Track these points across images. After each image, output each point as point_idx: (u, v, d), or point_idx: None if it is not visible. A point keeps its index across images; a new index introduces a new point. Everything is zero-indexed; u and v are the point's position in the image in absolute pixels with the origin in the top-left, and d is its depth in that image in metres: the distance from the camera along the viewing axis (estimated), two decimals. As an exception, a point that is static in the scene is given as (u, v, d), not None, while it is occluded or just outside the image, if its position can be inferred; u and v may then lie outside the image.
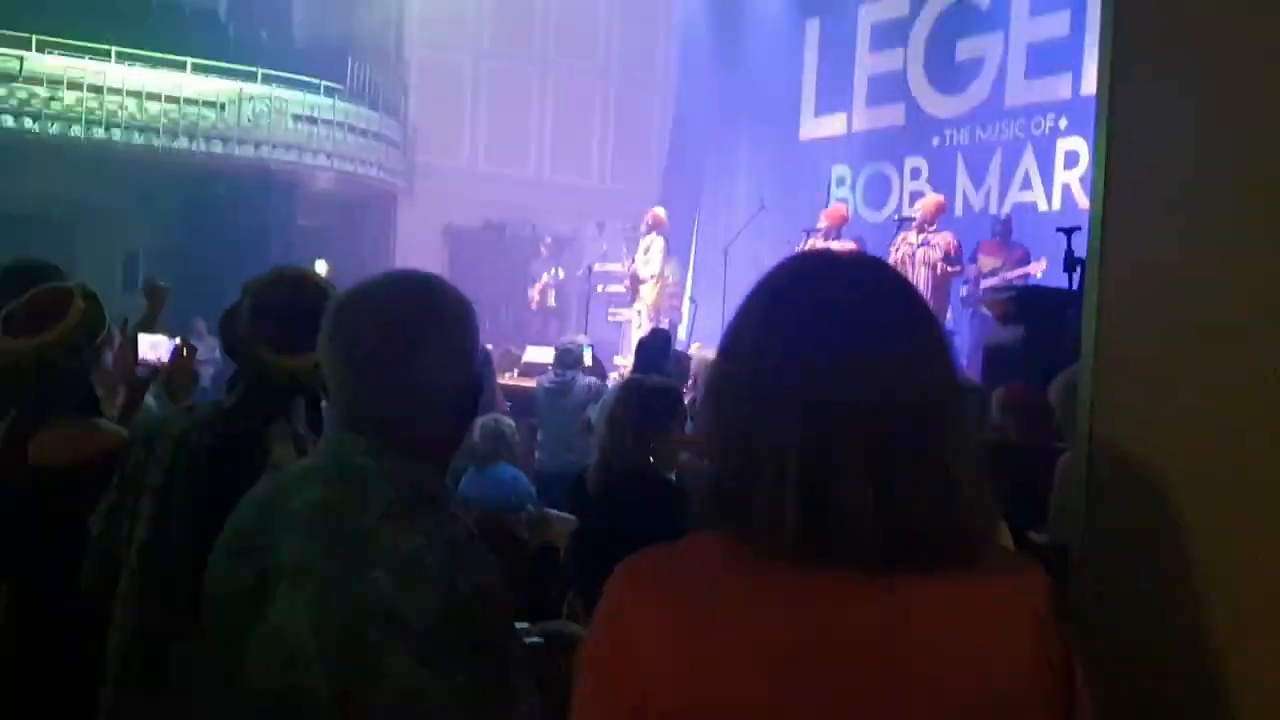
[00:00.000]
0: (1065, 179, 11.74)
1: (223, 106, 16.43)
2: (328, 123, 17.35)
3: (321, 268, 16.75)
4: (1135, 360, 1.48)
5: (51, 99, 15.33)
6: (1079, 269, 7.16)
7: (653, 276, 12.74)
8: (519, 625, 2.03)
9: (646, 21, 19.65)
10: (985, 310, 9.40)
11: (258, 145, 16.63)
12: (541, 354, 11.34)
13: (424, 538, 1.55)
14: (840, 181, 14.25)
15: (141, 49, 15.88)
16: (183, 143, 16.08)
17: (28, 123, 15.20)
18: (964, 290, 10.74)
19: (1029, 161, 12.23)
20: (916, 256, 10.08)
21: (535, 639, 2.49)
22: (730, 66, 15.57)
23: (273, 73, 16.91)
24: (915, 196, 12.93)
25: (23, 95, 15.19)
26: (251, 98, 16.65)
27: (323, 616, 1.53)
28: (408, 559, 1.52)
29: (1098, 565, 1.53)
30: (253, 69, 16.73)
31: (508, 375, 11.40)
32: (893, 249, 10.25)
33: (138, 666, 2.39)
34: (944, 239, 10.21)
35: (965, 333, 10.55)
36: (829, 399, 1.16)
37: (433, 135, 19.32)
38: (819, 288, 1.25)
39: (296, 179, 17.15)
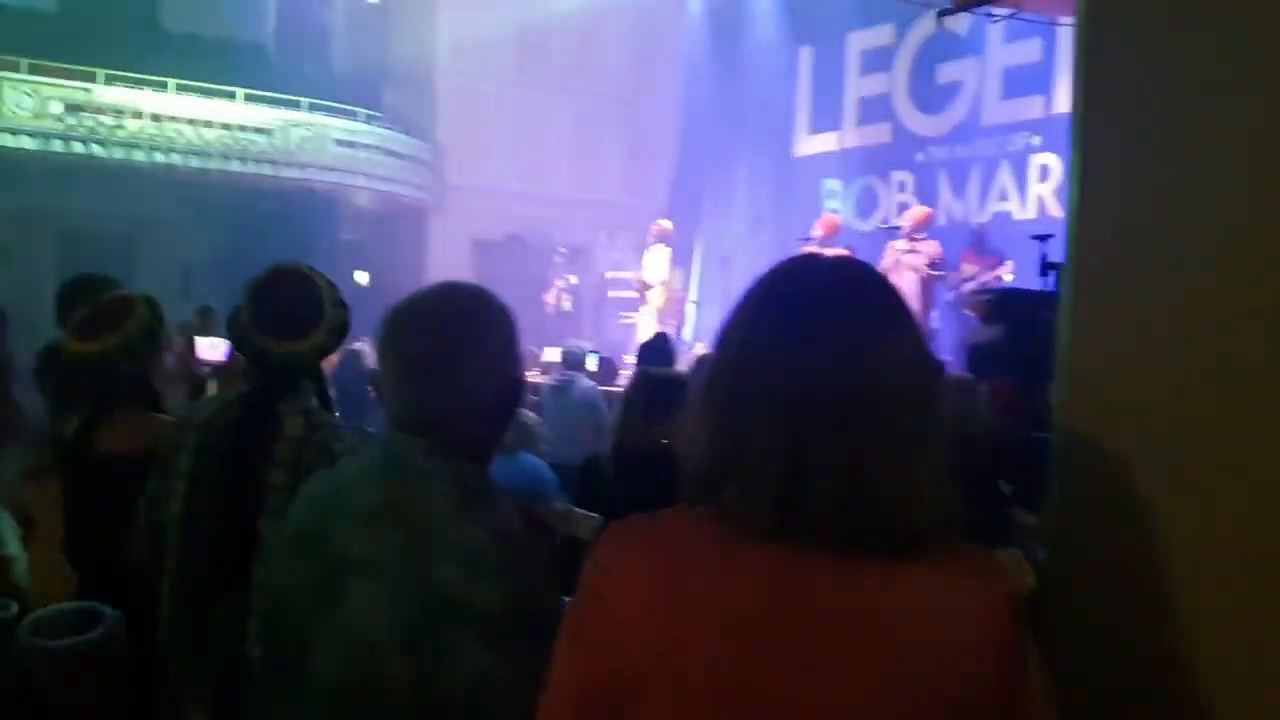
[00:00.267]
0: (1039, 191, 11.71)
1: (271, 132, 16.49)
2: (365, 146, 17.40)
3: (362, 277, 16.82)
4: (1107, 355, 1.47)
5: (116, 126, 15.40)
6: (1053, 272, 7.16)
7: (659, 282, 12.74)
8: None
9: (655, 50, 19.63)
10: (968, 311, 9.38)
11: (302, 167, 16.68)
12: (557, 354, 11.38)
13: (487, 533, 1.54)
14: (832, 194, 14.23)
15: (197, 81, 15.95)
16: (235, 165, 16.14)
17: (95, 148, 15.27)
18: (950, 295, 10.74)
19: (1005, 176, 12.21)
20: (903, 263, 10.07)
21: None
22: (731, 90, 15.57)
23: (316, 101, 16.96)
24: (901, 208, 12.91)
25: (90, 123, 15.26)
26: (297, 124, 16.70)
27: (399, 609, 1.50)
28: (474, 552, 1.51)
29: (1070, 545, 1.52)
30: (297, 98, 16.78)
31: (528, 373, 11.40)
32: (882, 257, 10.24)
33: (181, 633, 2.41)
34: (929, 247, 10.21)
35: (951, 332, 10.55)
36: (807, 387, 1.14)
37: (460, 155, 19.33)
38: (801, 287, 1.23)
39: (337, 197, 17.20)
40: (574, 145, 20.67)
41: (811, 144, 15.09)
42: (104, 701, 2.34)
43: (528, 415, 5.86)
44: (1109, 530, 1.45)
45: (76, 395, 3.00)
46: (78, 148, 15.19)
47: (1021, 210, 11.92)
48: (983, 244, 10.80)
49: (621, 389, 8.46)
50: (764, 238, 12.77)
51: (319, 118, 16.95)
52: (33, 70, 15.08)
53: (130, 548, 2.57)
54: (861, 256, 9.79)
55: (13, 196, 15.20)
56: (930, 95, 13.19)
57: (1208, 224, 1.36)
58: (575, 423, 7.63)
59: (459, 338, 1.63)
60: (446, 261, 16.98)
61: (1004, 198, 12.18)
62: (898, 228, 10.74)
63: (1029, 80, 11.66)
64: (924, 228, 10.46)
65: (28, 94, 15.01)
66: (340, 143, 17.11)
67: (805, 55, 15.13)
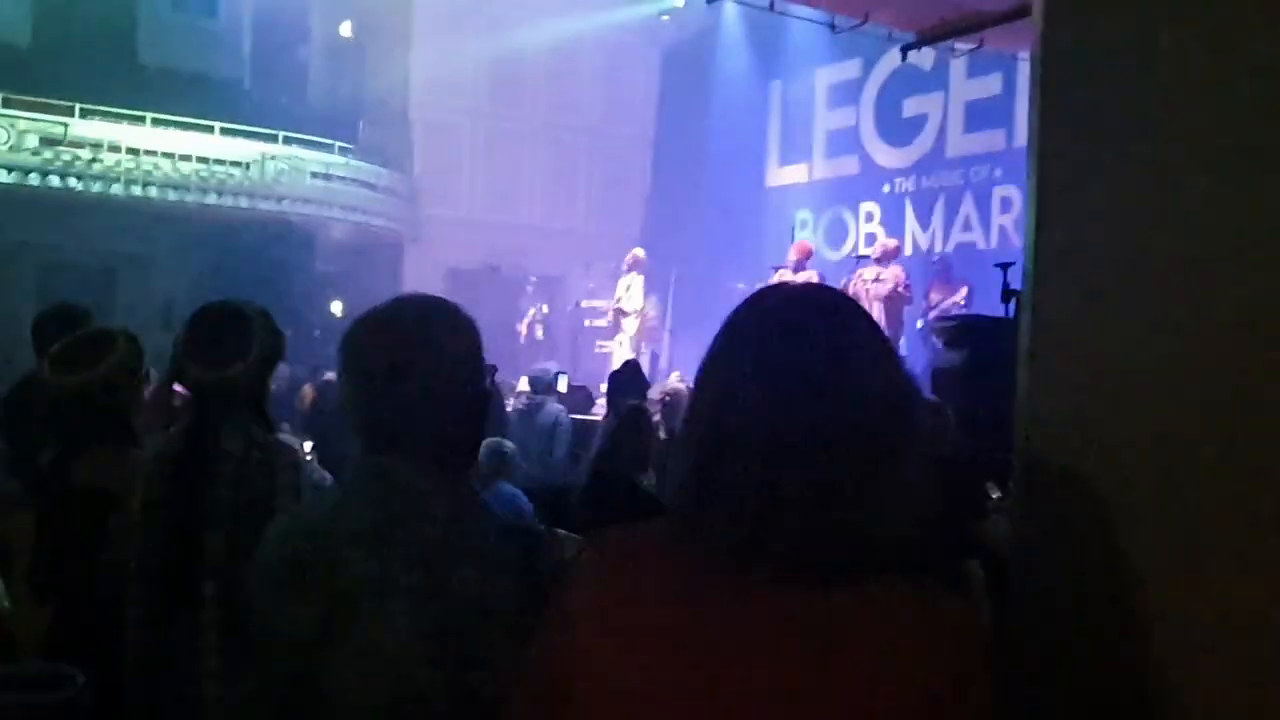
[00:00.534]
0: (1001, 221, 11.88)
1: (248, 166, 16.44)
2: (341, 179, 17.36)
3: (337, 308, 16.76)
4: (1064, 378, 1.51)
5: (93, 160, 15.31)
6: (1014, 299, 7.24)
7: (634, 311, 12.77)
8: None
9: (627, 83, 19.77)
10: (934, 338, 9.48)
11: (279, 200, 16.62)
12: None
13: (494, 533, 1.57)
14: (803, 224, 14.36)
15: (174, 115, 15.90)
16: (212, 199, 16.07)
17: (72, 182, 15.18)
18: (919, 323, 10.87)
19: (968, 206, 12.37)
20: (870, 291, 10.19)
21: None
22: (703, 122, 15.73)
23: (292, 134, 16.93)
24: (869, 237, 13.06)
25: (68, 157, 15.18)
26: (273, 157, 16.66)
27: (421, 621, 1.49)
28: (487, 553, 1.53)
29: (1032, 565, 1.55)
30: (274, 132, 16.74)
31: (507, 402, 11.38)
32: (849, 284, 10.35)
33: (147, 654, 2.48)
34: (893, 273, 10.39)
35: (920, 358, 10.65)
36: (781, 417, 1.13)
37: (436, 187, 19.35)
38: (774, 319, 1.22)
39: (314, 230, 17.14)
40: (548, 176, 20.76)
41: (782, 175, 15.24)
42: None
43: (505, 444, 5.85)
44: (1069, 548, 1.49)
45: (51, 427, 2.98)
46: (54, 182, 15.10)
47: (985, 240, 12.07)
48: (949, 274, 10.95)
49: (598, 418, 8.47)
50: (738, 266, 12.84)
51: (295, 151, 16.91)
52: (8, 104, 14.99)
53: (96, 584, 2.64)
54: (829, 284, 9.87)
55: (-11, 231, 15.10)
56: (896, 128, 13.37)
57: (1160, 252, 1.41)
58: (543, 448, 7.63)
59: (412, 347, 1.61)
60: (422, 291, 16.94)
61: (968, 228, 12.34)
62: (866, 258, 10.89)
63: (991, 114, 11.86)
64: (892, 258, 10.63)
65: (3, 128, 14.92)
66: (316, 175, 17.07)
67: (775, 88, 15.32)
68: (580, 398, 10.08)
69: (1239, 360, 1.31)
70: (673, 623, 1.16)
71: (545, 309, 15.69)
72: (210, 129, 16.20)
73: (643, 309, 12.91)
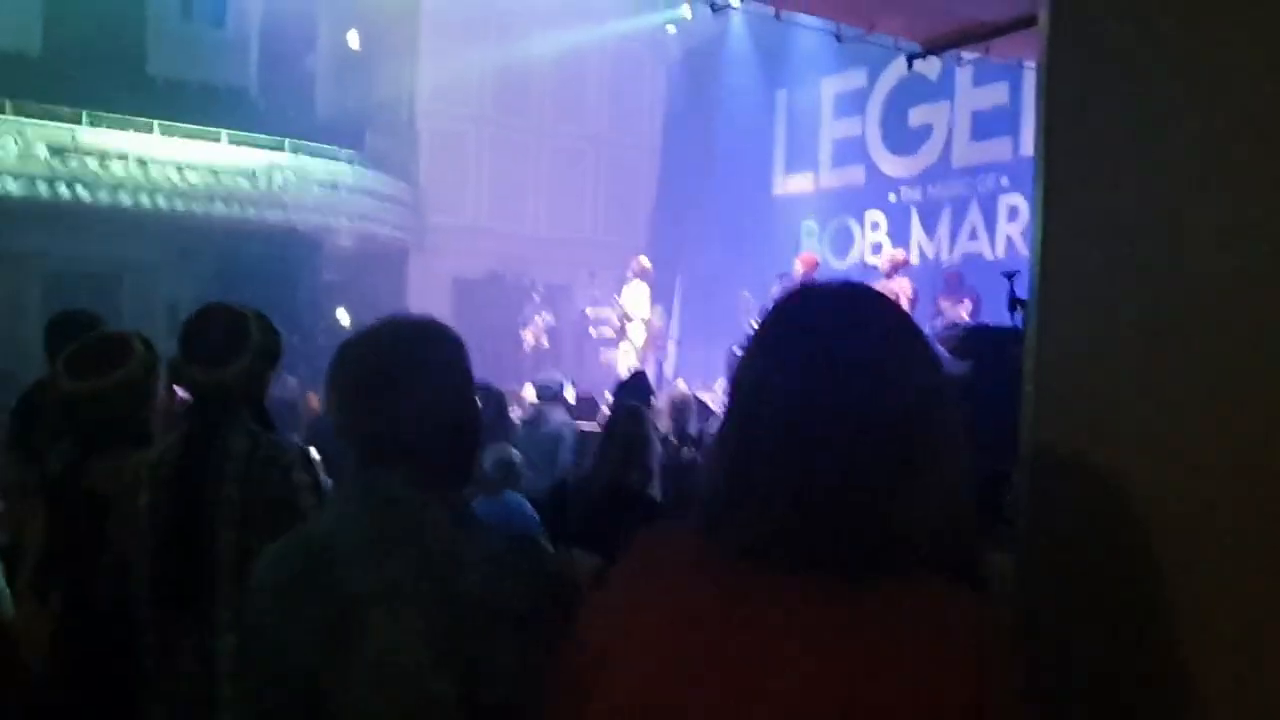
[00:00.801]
0: (1008, 230, 11.88)
1: (254, 175, 16.47)
2: (347, 188, 17.41)
3: (343, 317, 16.80)
4: (1071, 388, 1.51)
5: (101, 169, 15.36)
6: (1020, 308, 7.25)
7: (640, 319, 12.78)
8: None
9: (633, 91, 19.80)
10: (941, 347, 9.50)
11: (285, 209, 16.64)
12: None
13: (496, 539, 1.59)
14: (809, 233, 14.36)
15: (182, 123, 15.96)
16: (219, 207, 16.10)
17: (80, 190, 15.22)
18: (928, 333, 10.90)
19: (975, 215, 12.37)
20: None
21: None
22: (709, 130, 15.76)
23: (298, 143, 16.98)
24: (875, 247, 13.06)
25: (75, 166, 15.21)
26: (280, 166, 16.69)
27: (430, 627, 1.51)
28: (492, 559, 1.55)
29: (1039, 577, 1.54)
30: (280, 140, 16.80)
31: (511, 410, 11.40)
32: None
33: (158, 656, 2.48)
34: (900, 284, 10.39)
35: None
36: (814, 419, 1.13)
37: (441, 195, 19.37)
38: (807, 320, 1.22)
39: (320, 238, 17.18)
40: (553, 185, 20.77)
41: (788, 184, 15.25)
42: None
43: (512, 453, 5.85)
44: (1077, 556, 1.48)
45: (65, 431, 2.98)
46: (63, 190, 15.15)
47: (991, 250, 12.06)
48: (959, 284, 10.96)
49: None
50: (744, 274, 12.86)
51: (301, 159, 16.95)
52: (17, 113, 15.05)
53: (99, 587, 2.63)
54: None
55: (-3, 239, 15.16)
56: (902, 137, 13.38)
57: (1166, 261, 1.41)
58: (548, 456, 7.63)
59: (395, 363, 1.64)
60: (427, 300, 16.95)
61: (974, 237, 12.33)
62: (874, 267, 10.91)
63: (997, 123, 11.86)
64: (899, 269, 10.65)
65: (12, 136, 14.98)
66: (322, 184, 17.10)
67: (781, 98, 15.35)
68: (586, 406, 10.08)
69: (1247, 369, 1.32)
70: (703, 621, 1.16)
71: (551, 317, 15.71)
72: (217, 137, 16.25)
73: (648, 317, 12.93)
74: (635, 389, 7.07)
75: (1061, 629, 1.49)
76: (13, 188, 14.91)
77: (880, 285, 10.40)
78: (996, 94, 11.80)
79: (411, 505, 1.59)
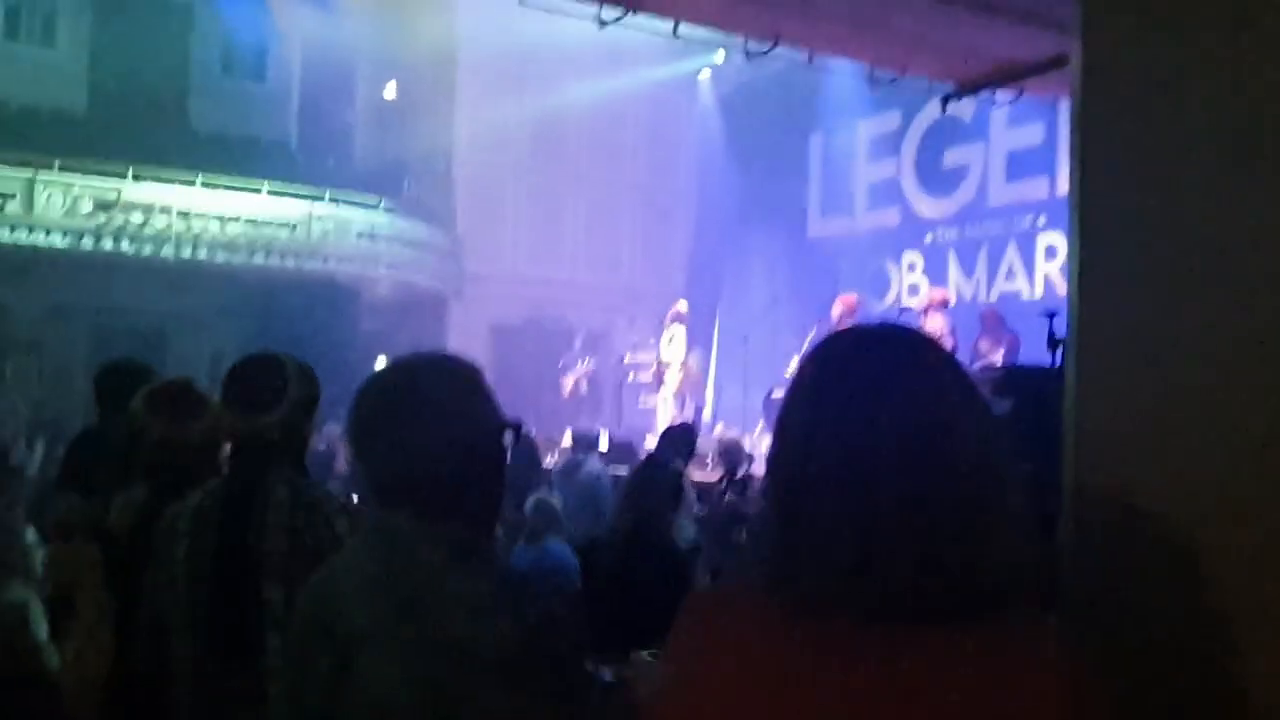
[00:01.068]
0: (1046, 270, 11.80)
1: (294, 226, 16.72)
2: (386, 238, 17.61)
3: (382, 366, 16.92)
4: (1111, 427, 1.50)
5: (145, 223, 15.64)
6: (1059, 347, 7.19)
7: (677, 363, 12.79)
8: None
9: (669, 137, 19.92)
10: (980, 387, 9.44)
11: (325, 259, 16.86)
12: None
13: (485, 581, 1.58)
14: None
15: (224, 176, 16.24)
16: (260, 259, 16.34)
17: (125, 244, 15.51)
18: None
19: (1012, 255, 12.31)
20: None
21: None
22: (745, 174, 15.83)
23: (338, 193, 17.21)
24: (913, 288, 13.01)
25: (120, 220, 15.51)
26: (319, 217, 16.92)
27: (411, 669, 1.52)
28: (474, 600, 1.54)
29: (1081, 615, 1.53)
30: (320, 191, 17.03)
31: (549, 457, 11.42)
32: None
33: (200, 707, 2.46)
34: (937, 324, 10.34)
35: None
36: (871, 464, 1.11)
37: (479, 243, 19.54)
38: (853, 361, 1.20)
39: (359, 288, 17.37)
40: (590, 231, 20.91)
41: (824, 227, 15.25)
42: None
43: (553, 499, 5.88)
44: (1121, 595, 1.47)
45: (141, 474, 3.00)
46: (108, 244, 15.43)
47: (1030, 289, 11.99)
48: (1000, 325, 10.88)
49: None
50: (781, 317, 12.86)
51: (341, 210, 17.18)
52: (64, 169, 15.39)
53: (132, 646, 2.63)
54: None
55: (45, 293, 15.45)
56: (937, 178, 13.37)
57: (1204, 297, 1.40)
58: (583, 505, 7.66)
59: (399, 401, 1.66)
60: (466, 348, 16.81)
61: (1011, 277, 12.26)
62: (909, 309, 10.88)
63: (1033, 162, 11.82)
64: (938, 309, 10.62)
65: (60, 192, 15.31)
66: (361, 235, 17.33)
67: (816, 141, 15.39)
68: (623, 452, 10.09)
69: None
70: (771, 674, 1.14)
71: (591, 363, 15.73)
72: (258, 190, 16.51)
73: (685, 361, 12.94)
74: (678, 439, 7.09)
75: (1109, 666, 1.47)
76: (60, 242, 15.22)
77: (916, 323, 10.40)
78: (1032, 134, 11.78)
79: (408, 544, 1.60)
